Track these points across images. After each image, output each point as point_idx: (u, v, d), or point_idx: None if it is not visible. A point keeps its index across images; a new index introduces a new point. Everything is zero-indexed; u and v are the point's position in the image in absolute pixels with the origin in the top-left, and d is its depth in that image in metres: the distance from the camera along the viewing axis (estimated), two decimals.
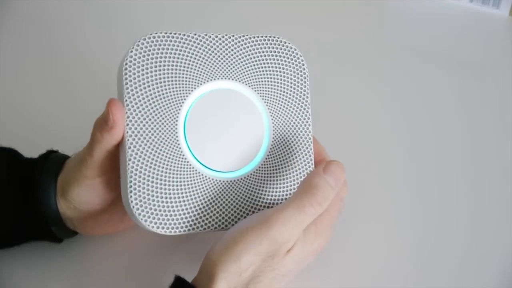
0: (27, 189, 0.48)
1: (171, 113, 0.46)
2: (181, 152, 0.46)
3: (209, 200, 0.46)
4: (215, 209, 0.47)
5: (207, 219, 0.46)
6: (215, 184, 0.47)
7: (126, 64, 0.46)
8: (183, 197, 0.45)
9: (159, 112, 0.46)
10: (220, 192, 0.47)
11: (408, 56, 0.76)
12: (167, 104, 0.46)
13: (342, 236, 0.53)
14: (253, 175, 0.48)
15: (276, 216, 0.43)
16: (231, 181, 0.48)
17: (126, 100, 0.45)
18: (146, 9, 0.80)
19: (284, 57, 0.51)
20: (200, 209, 0.46)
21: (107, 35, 0.75)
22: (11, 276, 0.51)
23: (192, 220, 0.46)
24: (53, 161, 0.49)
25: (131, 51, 0.46)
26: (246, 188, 0.48)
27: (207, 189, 0.47)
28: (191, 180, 0.46)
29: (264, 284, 0.43)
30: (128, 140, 0.45)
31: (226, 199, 0.47)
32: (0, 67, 0.70)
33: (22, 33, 0.75)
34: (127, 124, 0.45)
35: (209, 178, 0.47)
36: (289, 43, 0.51)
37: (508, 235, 0.57)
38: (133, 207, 0.44)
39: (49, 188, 0.48)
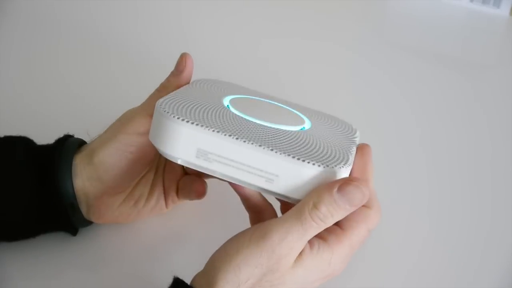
0: (44, 171, 0.49)
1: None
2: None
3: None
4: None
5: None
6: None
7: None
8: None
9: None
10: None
11: (408, 56, 0.75)
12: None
13: None
14: None
15: (276, 228, 0.42)
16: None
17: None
18: (145, 8, 0.80)
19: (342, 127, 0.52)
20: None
21: (106, 33, 0.75)
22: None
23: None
24: (70, 144, 0.51)
25: None
26: None
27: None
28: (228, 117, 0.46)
29: None
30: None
31: None
32: (1, 65, 0.70)
33: (22, 31, 0.75)
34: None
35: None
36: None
37: (510, 234, 0.57)
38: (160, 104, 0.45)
39: (65, 169, 0.49)
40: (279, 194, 0.43)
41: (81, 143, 0.52)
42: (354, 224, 0.45)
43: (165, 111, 0.44)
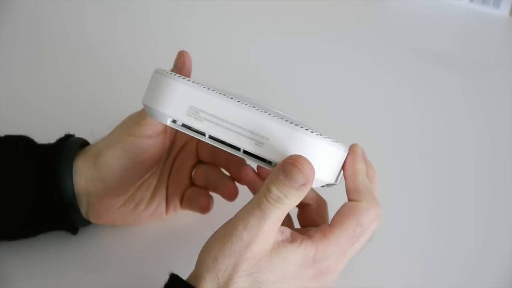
0: (45, 170, 0.49)
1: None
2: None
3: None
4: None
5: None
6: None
7: None
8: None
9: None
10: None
11: (408, 56, 0.76)
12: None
13: None
14: None
15: (240, 214, 0.42)
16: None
17: None
18: (145, 8, 0.80)
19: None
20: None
21: (106, 34, 0.75)
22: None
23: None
24: (71, 143, 0.51)
25: None
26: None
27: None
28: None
29: None
30: None
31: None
32: (3, 65, 0.70)
33: (24, 30, 0.75)
34: None
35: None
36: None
37: (509, 234, 0.57)
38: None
39: (66, 168, 0.49)
40: (263, 161, 0.43)
41: (83, 143, 0.52)
42: (341, 218, 0.44)
43: (163, 70, 0.44)
